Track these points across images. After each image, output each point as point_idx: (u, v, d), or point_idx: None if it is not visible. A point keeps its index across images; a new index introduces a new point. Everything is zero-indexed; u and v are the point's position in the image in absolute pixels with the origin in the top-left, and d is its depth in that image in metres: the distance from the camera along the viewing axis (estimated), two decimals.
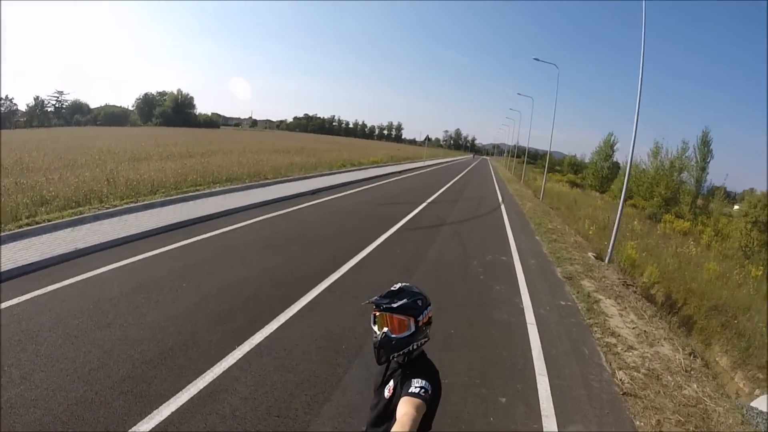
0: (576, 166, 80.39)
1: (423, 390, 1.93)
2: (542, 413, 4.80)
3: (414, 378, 2.00)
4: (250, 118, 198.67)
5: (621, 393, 5.49)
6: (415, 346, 2.13)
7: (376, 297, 2.18)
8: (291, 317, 6.35)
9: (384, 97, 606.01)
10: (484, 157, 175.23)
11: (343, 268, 8.89)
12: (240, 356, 5.11)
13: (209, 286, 7.16)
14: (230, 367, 4.87)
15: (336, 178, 24.95)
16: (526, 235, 15.30)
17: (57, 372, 4.51)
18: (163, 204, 12.92)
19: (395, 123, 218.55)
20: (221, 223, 11.57)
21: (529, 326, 7.17)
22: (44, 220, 9.84)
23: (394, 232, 12.76)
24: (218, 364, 4.90)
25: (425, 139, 76.40)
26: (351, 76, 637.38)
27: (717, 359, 10.15)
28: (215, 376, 4.66)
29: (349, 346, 5.66)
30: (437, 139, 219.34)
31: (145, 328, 5.59)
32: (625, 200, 13.95)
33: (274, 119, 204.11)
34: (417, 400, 1.87)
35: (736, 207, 46.76)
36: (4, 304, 5.93)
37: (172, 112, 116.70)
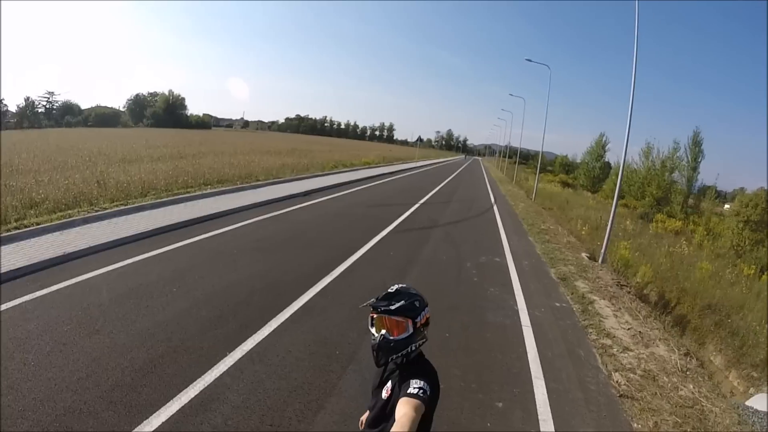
0: (567, 167, 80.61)
1: (422, 391, 1.93)
2: (539, 417, 4.75)
3: (412, 379, 1.99)
4: (242, 118, 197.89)
5: (618, 395, 5.47)
6: (413, 348, 2.14)
7: (373, 299, 2.18)
8: (283, 322, 6.24)
9: (376, 97, 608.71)
10: (476, 157, 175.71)
11: (336, 271, 8.80)
12: (231, 363, 5.01)
13: (200, 291, 7.03)
14: (222, 375, 4.76)
15: (328, 180, 24.83)
16: (519, 236, 15.28)
17: (45, 381, 4.40)
18: (153, 206, 12.77)
19: (387, 124, 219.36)
20: (212, 226, 11.43)
21: (524, 328, 7.12)
22: (33, 224, 9.67)
23: (387, 234, 12.68)
24: (209, 371, 4.79)
25: (417, 140, 76.27)
26: (343, 77, 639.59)
27: (711, 358, 10.17)
28: (206, 385, 4.56)
29: (342, 351, 5.56)
30: (429, 140, 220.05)
31: (134, 334, 5.47)
32: (618, 201, 13.91)
33: (265, 120, 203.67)
34: (416, 401, 1.88)
35: (726, 206, 47.10)
36: None
37: (163, 113, 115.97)
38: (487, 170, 74.08)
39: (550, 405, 5.00)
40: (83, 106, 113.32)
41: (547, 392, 5.26)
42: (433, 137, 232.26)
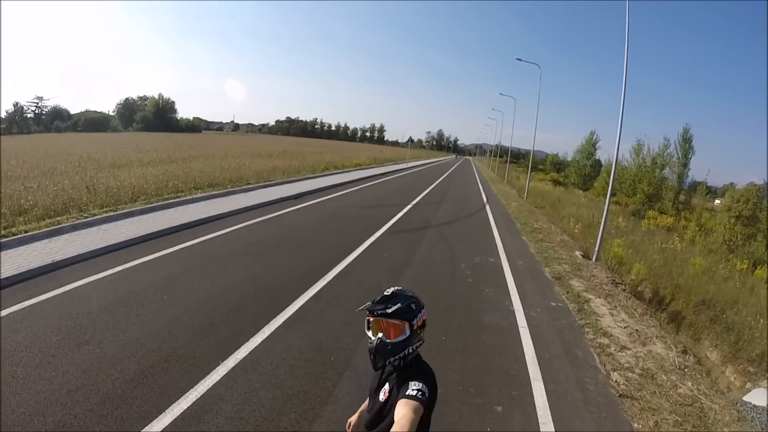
0: (558, 165, 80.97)
1: (420, 392, 1.92)
2: (539, 420, 4.69)
3: (411, 381, 1.99)
4: (233, 121, 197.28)
5: (617, 395, 5.42)
6: (410, 350, 2.13)
7: (369, 303, 2.17)
8: (276, 329, 6.13)
9: (366, 98, 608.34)
10: (467, 157, 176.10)
11: (330, 274, 8.70)
12: (224, 372, 4.89)
13: (191, 298, 6.91)
14: (214, 385, 4.64)
15: (319, 182, 24.72)
16: (512, 236, 15.24)
17: (34, 395, 4.27)
18: (143, 212, 12.60)
19: (377, 125, 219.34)
20: (203, 231, 11.29)
21: (521, 329, 7.06)
22: (21, 231, 9.51)
23: (381, 236, 12.59)
24: (202, 381, 4.68)
25: (408, 141, 76.17)
26: (333, 78, 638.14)
27: (707, 354, 10.17)
28: (199, 395, 4.44)
29: (338, 358, 5.46)
30: (420, 140, 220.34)
31: (124, 344, 5.34)
32: (610, 199, 13.91)
33: (256, 123, 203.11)
34: (414, 403, 1.88)
35: (717, 201, 47.47)
36: None
37: (153, 116, 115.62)
38: (479, 170, 74.23)
39: (550, 407, 4.94)
40: (72, 111, 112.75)
41: (546, 394, 5.20)
42: (423, 138, 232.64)
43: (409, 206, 19.34)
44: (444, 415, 4.51)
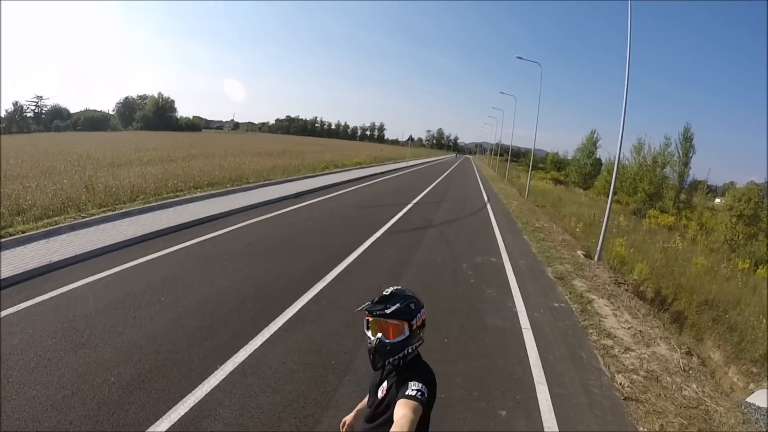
0: (559, 164, 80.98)
1: (419, 393, 1.93)
2: (544, 425, 4.61)
3: (410, 381, 1.99)
4: (232, 120, 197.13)
5: (622, 398, 5.35)
6: (410, 350, 2.13)
7: (368, 303, 2.17)
8: (276, 331, 6.03)
9: (366, 98, 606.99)
10: (467, 156, 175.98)
11: (330, 275, 8.60)
12: (223, 377, 4.79)
13: (189, 300, 6.81)
14: (212, 390, 4.55)
15: (319, 181, 24.64)
16: (513, 235, 15.16)
17: (29, 400, 4.18)
18: (141, 211, 12.51)
19: (378, 123, 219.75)
20: (202, 231, 11.20)
21: (524, 331, 6.98)
22: (18, 232, 9.41)
23: (381, 236, 12.50)
24: (200, 386, 4.58)
25: (408, 139, 76.09)
26: (333, 78, 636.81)
27: (710, 355, 10.10)
28: (197, 401, 4.35)
29: (338, 361, 5.37)
30: (420, 139, 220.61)
31: (121, 348, 5.25)
32: (612, 198, 13.82)
33: (256, 121, 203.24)
34: (414, 403, 1.88)
35: (717, 200, 47.44)
36: None
37: (153, 115, 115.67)
38: (479, 168, 74.19)
39: (555, 411, 4.85)
40: (72, 110, 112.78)
41: (551, 398, 5.12)
42: (423, 136, 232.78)
43: (409, 205, 19.25)
44: (447, 420, 4.44)
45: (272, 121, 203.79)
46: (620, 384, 5.65)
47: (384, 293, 2.17)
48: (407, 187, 27.44)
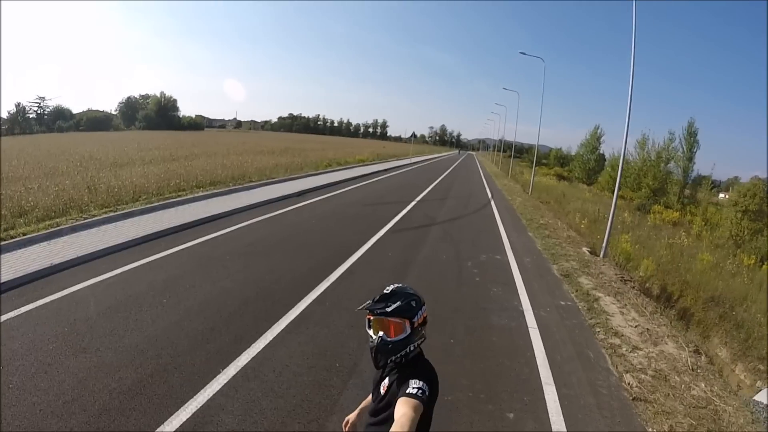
0: (562, 159, 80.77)
1: (420, 391, 1.92)
2: (553, 427, 4.53)
3: (411, 379, 1.99)
4: (235, 119, 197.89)
5: (630, 399, 5.27)
6: (412, 348, 2.13)
7: (369, 302, 2.16)
8: (279, 334, 5.95)
9: (367, 97, 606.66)
10: (470, 152, 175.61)
11: (333, 275, 8.52)
12: (225, 381, 4.72)
13: (191, 302, 6.74)
14: (215, 395, 4.47)
15: (322, 179, 24.56)
16: (518, 232, 15.06)
17: (29, 406, 4.12)
18: (143, 212, 12.46)
19: (380, 120, 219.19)
20: (204, 231, 11.14)
21: (530, 330, 6.89)
22: (20, 234, 9.36)
23: (384, 234, 12.43)
24: (202, 391, 4.51)
25: (411, 136, 75.91)
26: (333, 78, 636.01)
27: (717, 352, 10.00)
28: (199, 406, 4.28)
29: (342, 363, 5.29)
30: (422, 136, 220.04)
31: (123, 352, 5.18)
32: (618, 194, 13.70)
33: (258, 120, 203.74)
34: (415, 401, 1.88)
35: (721, 195, 47.21)
36: None
37: (155, 115, 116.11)
38: (482, 165, 73.98)
39: (563, 413, 4.78)
40: (75, 111, 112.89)
41: (559, 399, 5.04)
42: (426, 133, 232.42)
43: (413, 203, 19.16)
44: (455, 424, 4.38)
45: (275, 120, 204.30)
46: (628, 384, 5.57)
47: (385, 291, 2.17)
48: (410, 185, 27.33)
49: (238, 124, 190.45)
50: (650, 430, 4.72)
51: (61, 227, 10.04)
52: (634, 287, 10.16)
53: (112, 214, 11.71)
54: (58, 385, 4.47)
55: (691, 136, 37.34)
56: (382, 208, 16.90)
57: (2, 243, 8.70)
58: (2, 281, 6.92)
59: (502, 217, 17.98)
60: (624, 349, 6.57)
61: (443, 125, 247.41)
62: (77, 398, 4.29)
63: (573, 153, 71.32)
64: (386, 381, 2.17)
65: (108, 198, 13.27)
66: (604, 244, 12.73)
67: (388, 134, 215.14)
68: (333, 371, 5.12)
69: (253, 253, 9.57)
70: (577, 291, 9.06)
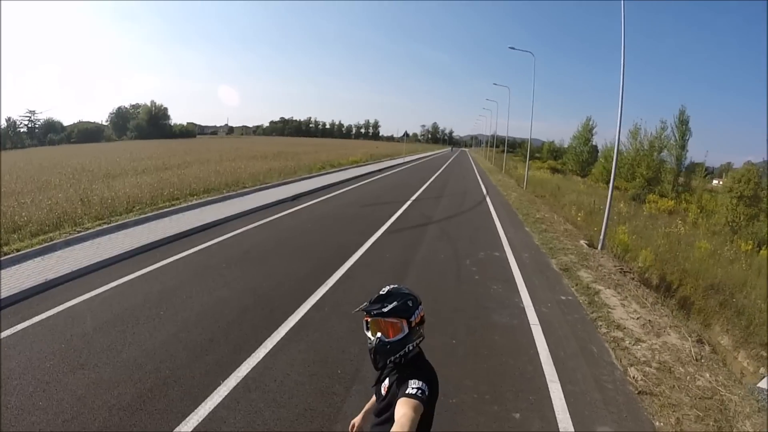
0: (555, 152, 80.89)
1: (420, 391, 1.92)
2: (560, 426, 4.47)
3: (410, 379, 1.98)
4: (227, 125, 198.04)
5: (636, 392, 5.22)
6: (410, 348, 2.13)
7: (365, 303, 2.17)
8: (278, 342, 5.88)
9: (358, 95, 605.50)
10: (463, 149, 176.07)
11: (331, 279, 8.46)
12: (226, 393, 4.64)
13: (188, 313, 6.66)
14: (216, 407, 4.40)
15: (316, 182, 24.51)
16: (515, 228, 15.02)
17: (28, 426, 4.06)
18: (137, 223, 12.37)
19: (372, 121, 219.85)
20: (198, 239, 11.05)
21: (532, 327, 6.84)
22: (13, 250, 9.26)
23: (381, 235, 12.37)
24: (203, 404, 4.43)
25: (403, 135, 76.31)
26: (325, 77, 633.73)
27: (719, 340, 9.98)
28: (200, 420, 4.20)
29: (344, 370, 5.22)
30: (415, 134, 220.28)
31: (121, 367, 5.10)
32: (613, 186, 13.66)
33: (250, 125, 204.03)
34: (414, 401, 1.88)
35: (715, 182, 47.36)
36: None
37: (146, 124, 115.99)
38: (475, 161, 74.07)
39: (569, 410, 4.72)
40: (66, 123, 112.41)
41: (564, 396, 4.98)
42: (419, 131, 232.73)
43: (408, 202, 19.12)
44: (460, 427, 4.31)
45: (266, 124, 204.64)
46: (633, 377, 5.53)
47: (381, 292, 2.17)
48: (405, 184, 27.32)
49: (230, 130, 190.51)
50: (657, 423, 4.66)
51: (54, 242, 9.94)
52: (633, 278, 10.13)
53: (105, 226, 11.62)
54: (57, 404, 4.39)
55: (683, 124, 37.44)
56: (377, 209, 16.84)
57: (1, 258, 8.63)
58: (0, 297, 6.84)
59: (498, 213, 17.94)
60: (627, 342, 6.52)
61: (435, 123, 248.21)
62: (77, 416, 4.22)
63: (566, 145, 71.46)
64: (386, 382, 2.17)
65: (101, 210, 13.18)
66: (601, 236, 12.70)
67: (380, 134, 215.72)
68: (335, 378, 5.06)
69: (249, 260, 9.50)
70: (577, 285, 9.02)
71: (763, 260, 17.19)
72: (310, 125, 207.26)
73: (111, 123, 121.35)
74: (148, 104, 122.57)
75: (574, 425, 4.48)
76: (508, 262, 10.43)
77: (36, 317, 6.41)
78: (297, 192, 19.81)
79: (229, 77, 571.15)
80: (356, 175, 30.35)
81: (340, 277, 8.63)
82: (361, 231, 12.61)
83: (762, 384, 6.08)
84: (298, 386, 4.86)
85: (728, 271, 14.21)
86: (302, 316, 6.72)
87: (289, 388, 4.82)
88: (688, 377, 5.62)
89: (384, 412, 2.12)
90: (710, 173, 46.51)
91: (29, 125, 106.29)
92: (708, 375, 5.73)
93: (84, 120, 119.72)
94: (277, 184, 22.55)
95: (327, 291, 7.86)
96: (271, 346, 5.73)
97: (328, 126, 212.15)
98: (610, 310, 7.77)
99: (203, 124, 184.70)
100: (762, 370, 8.59)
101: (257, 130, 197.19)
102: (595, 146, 58.27)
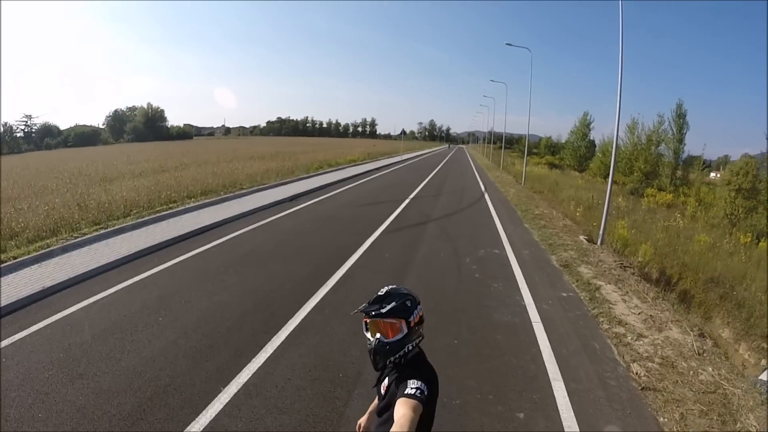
0: (553, 148, 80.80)
1: (419, 391, 1.93)
2: (564, 424, 4.45)
3: (409, 379, 1.99)
4: (224, 126, 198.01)
5: (639, 388, 5.20)
6: (409, 348, 2.14)
7: (364, 304, 2.18)
8: (279, 346, 5.83)
9: (356, 94, 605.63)
10: (460, 145, 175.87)
11: (330, 281, 8.41)
12: (227, 400, 4.60)
13: (187, 318, 6.61)
14: (217, 415, 4.36)
15: (314, 181, 24.45)
16: (514, 224, 14.99)
17: None
18: (134, 227, 12.29)
19: (369, 119, 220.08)
20: (196, 243, 11.00)
21: (534, 325, 6.81)
22: (11, 257, 9.20)
23: (380, 235, 12.33)
24: (203, 412, 4.39)
25: (401, 133, 76.22)
26: (321, 76, 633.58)
27: (720, 333, 9.97)
28: (201, 429, 4.16)
29: (346, 373, 5.18)
30: (412, 132, 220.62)
31: (120, 375, 5.05)
32: (612, 181, 13.63)
33: (247, 125, 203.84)
34: (413, 401, 1.88)
35: (712, 175, 47.36)
36: None
37: (143, 126, 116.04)
38: (473, 157, 74.01)
39: (573, 409, 4.70)
40: (62, 127, 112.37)
41: (568, 395, 4.96)
42: (416, 129, 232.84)
43: (406, 201, 19.09)
44: (465, 428, 4.27)
45: (263, 124, 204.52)
46: (636, 373, 5.52)
47: (379, 293, 2.19)
48: (403, 182, 27.26)
49: (227, 131, 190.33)
50: (661, 419, 4.65)
51: (51, 248, 9.88)
52: (633, 273, 10.11)
53: (102, 231, 11.55)
54: (57, 415, 4.35)
55: (680, 117, 37.37)
56: (376, 208, 16.80)
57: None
58: None
59: (497, 210, 17.91)
60: (629, 337, 6.51)
61: (432, 120, 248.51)
62: (77, 427, 4.18)
63: (563, 141, 71.36)
64: (385, 381, 2.18)
65: (99, 214, 13.11)
66: (601, 232, 12.66)
67: (377, 132, 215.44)
68: (337, 382, 5.01)
69: (248, 263, 9.45)
70: (577, 281, 9.00)
71: (763, 252, 17.16)
72: (307, 125, 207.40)
73: (108, 126, 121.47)
74: (145, 106, 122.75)
75: (578, 424, 4.46)
76: (509, 260, 10.40)
77: (34, 326, 6.35)
78: (295, 192, 19.76)
79: (225, 78, 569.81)
80: (354, 174, 30.30)
81: (340, 279, 8.58)
82: (360, 231, 12.57)
83: (764, 376, 6.08)
84: (300, 391, 4.82)
85: (728, 263, 14.18)
86: (302, 319, 6.67)
87: (291, 393, 4.78)
88: (690, 372, 5.61)
89: (384, 412, 2.12)
90: (708, 166, 46.54)
91: (26, 130, 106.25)
92: (711, 369, 5.72)
93: (81, 123, 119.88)
94: (275, 185, 22.49)
95: (327, 293, 7.82)
96: (271, 351, 5.68)
97: (325, 125, 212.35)
98: (611, 305, 7.75)
99: (200, 125, 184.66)
100: (763, 362, 8.58)
101: (254, 131, 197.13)
102: (593, 141, 58.24)
